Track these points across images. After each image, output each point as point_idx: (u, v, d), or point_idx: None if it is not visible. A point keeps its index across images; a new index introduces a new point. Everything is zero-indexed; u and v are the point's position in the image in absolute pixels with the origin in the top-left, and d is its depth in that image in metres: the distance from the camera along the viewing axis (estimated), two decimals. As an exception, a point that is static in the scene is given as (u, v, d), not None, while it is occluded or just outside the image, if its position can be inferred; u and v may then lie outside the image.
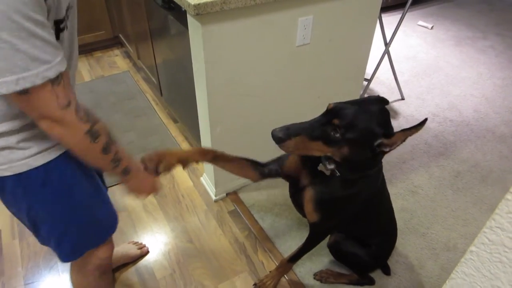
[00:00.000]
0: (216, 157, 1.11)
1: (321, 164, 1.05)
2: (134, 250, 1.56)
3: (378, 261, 1.47)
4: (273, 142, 1.57)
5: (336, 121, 0.89)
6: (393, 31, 2.35)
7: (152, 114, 2.40)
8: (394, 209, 1.50)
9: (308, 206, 1.13)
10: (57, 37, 0.70)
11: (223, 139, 1.62)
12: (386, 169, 2.00)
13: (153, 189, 0.99)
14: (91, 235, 0.98)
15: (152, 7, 1.90)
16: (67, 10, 0.72)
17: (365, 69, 1.93)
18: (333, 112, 0.91)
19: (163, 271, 1.52)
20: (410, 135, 0.89)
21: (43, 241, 0.96)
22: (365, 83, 2.44)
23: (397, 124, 2.35)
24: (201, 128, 1.67)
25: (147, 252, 1.59)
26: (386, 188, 1.32)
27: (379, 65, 2.45)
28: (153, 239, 1.65)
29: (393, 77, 2.57)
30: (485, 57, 3.12)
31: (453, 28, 3.63)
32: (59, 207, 0.88)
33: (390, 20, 3.56)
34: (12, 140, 0.75)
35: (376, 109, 0.92)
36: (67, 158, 0.84)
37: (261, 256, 1.58)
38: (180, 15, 1.50)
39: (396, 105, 2.53)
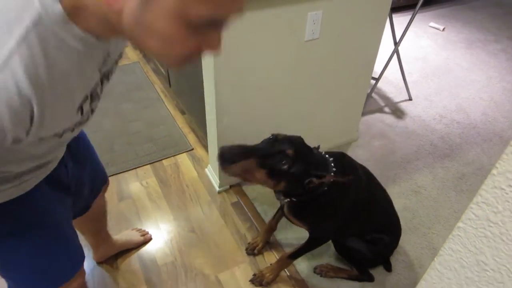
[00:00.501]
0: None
1: (275, 194, 1.15)
2: (137, 237, 1.59)
3: (380, 258, 1.49)
4: None
5: (290, 152, 0.91)
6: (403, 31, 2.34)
7: (160, 105, 2.42)
8: (396, 208, 1.51)
9: (291, 219, 1.24)
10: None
11: (229, 130, 1.63)
12: (389, 168, 2.01)
13: None
14: (52, 279, 0.91)
15: None
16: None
17: (373, 67, 1.93)
18: (284, 143, 0.93)
19: (165, 258, 1.54)
20: (337, 182, 0.96)
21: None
22: (373, 81, 2.44)
23: (404, 124, 2.35)
24: (208, 119, 1.69)
25: (150, 239, 1.61)
26: (380, 189, 1.37)
27: (388, 64, 2.44)
28: (156, 227, 1.67)
29: (401, 77, 2.56)
30: (496, 60, 3.09)
31: (465, 30, 3.60)
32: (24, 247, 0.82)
33: (401, 20, 3.54)
34: None
35: (318, 153, 1.02)
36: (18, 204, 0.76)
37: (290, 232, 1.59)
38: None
39: (403, 106, 2.53)
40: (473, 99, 2.61)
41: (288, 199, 1.13)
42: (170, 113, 2.35)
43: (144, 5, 0.44)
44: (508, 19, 3.88)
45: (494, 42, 3.38)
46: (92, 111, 0.68)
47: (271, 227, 1.56)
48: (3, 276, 0.88)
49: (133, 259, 1.54)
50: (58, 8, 0.47)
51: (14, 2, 0.46)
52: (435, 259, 0.52)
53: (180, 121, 2.29)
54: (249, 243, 1.58)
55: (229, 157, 0.87)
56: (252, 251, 1.55)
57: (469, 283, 0.47)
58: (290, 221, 1.28)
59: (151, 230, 1.66)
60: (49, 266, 0.88)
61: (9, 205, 0.74)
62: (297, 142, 0.98)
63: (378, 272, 1.51)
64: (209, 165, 1.92)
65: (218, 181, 1.82)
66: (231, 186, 1.86)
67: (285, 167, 0.91)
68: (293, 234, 1.64)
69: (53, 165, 0.83)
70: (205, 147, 2.06)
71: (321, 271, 1.49)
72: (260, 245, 1.56)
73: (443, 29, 3.56)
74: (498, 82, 2.81)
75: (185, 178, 1.92)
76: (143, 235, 1.60)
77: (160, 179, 1.90)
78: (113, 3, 0.45)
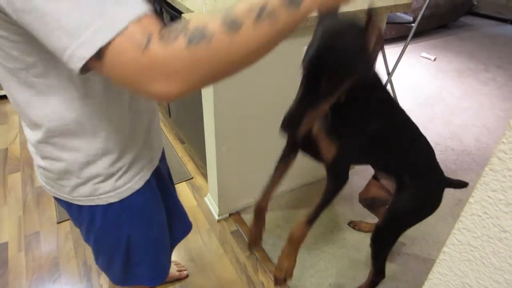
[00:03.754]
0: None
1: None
2: (173, 271, 1.56)
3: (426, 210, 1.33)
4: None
5: (325, 79, 0.78)
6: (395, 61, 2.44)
7: (160, 135, 2.47)
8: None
9: (322, 138, 1.03)
10: None
11: (229, 159, 1.68)
12: (387, 195, 2.03)
13: None
14: (154, 268, 0.95)
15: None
16: None
17: (367, 96, 1.99)
18: (314, 70, 0.79)
19: (165, 287, 1.54)
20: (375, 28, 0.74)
21: (127, 267, 0.90)
22: (368, 110, 2.51)
23: (399, 151, 2.40)
24: (207, 148, 1.73)
25: (186, 276, 1.59)
26: (411, 123, 1.19)
27: (382, 93, 2.52)
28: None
29: (395, 105, 2.63)
30: (487, 88, 3.19)
31: (456, 60, 3.73)
32: (153, 233, 0.89)
33: (393, 51, 3.67)
34: (118, 165, 0.73)
35: (340, 26, 0.78)
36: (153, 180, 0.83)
37: (262, 277, 1.59)
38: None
39: (399, 133, 2.59)
40: (466, 126, 2.67)
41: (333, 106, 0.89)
42: (170, 142, 2.40)
43: None
44: (496, 49, 4.03)
45: (484, 71, 3.50)
46: None
47: (262, 207, 1.24)
48: (136, 263, 0.90)
49: None
50: None
51: None
52: (425, 282, 0.54)
53: (180, 150, 2.34)
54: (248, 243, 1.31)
55: (292, 128, 0.79)
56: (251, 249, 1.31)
57: (456, 306, 0.49)
58: (312, 152, 1.08)
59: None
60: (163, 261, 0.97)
61: (140, 199, 0.80)
62: (329, 42, 0.76)
63: (378, 300, 1.51)
64: (208, 193, 1.94)
65: (217, 209, 1.84)
66: (230, 215, 1.88)
67: (336, 86, 0.77)
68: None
69: (155, 153, 0.86)
70: (205, 175, 2.09)
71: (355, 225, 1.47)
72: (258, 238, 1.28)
73: (435, 59, 3.69)
74: (490, 109, 2.88)
75: (184, 206, 1.93)
76: (179, 271, 1.58)
77: (160, 208, 1.92)
78: None
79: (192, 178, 2.12)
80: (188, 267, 1.63)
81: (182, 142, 2.40)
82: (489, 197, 0.44)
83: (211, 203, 1.91)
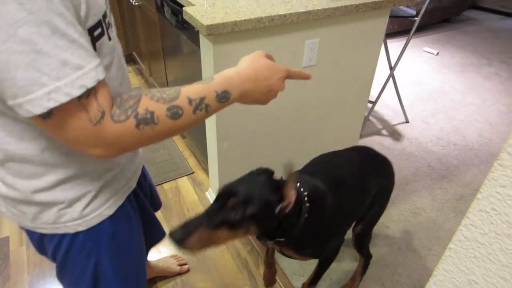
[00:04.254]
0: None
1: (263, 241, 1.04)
2: (174, 266, 1.56)
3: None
4: (279, 158, 1.63)
5: (232, 200, 0.83)
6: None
7: (161, 129, 2.46)
8: (396, 230, 1.52)
9: (297, 257, 1.16)
10: (94, 48, 0.56)
11: (230, 154, 1.67)
12: (389, 190, 2.02)
13: (280, 86, 0.76)
14: None
15: (166, 27, 2.00)
16: (103, 17, 0.59)
17: (369, 91, 1.98)
18: (225, 194, 0.86)
19: (166, 282, 1.54)
20: (293, 188, 0.86)
21: None
22: (370, 105, 2.50)
23: (401, 147, 2.38)
24: (208, 143, 1.73)
25: (187, 270, 1.58)
26: (346, 188, 1.24)
27: (384, 88, 2.50)
28: (157, 250, 1.68)
29: (397, 100, 2.62)
30: (490, 83, 3.17)
31: (458, 54, 3.70)
32: (125, 260, 0.81)
33: (396, 45, 3.65)
34: (82, 191, 0.68)
35: (264, 179, 0.90)
36: (127, 204, 0.78)
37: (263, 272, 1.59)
38: (193, 35, 1.58)
39: (401, 128, 2.57)
40: (468, 121, 2.66)
41: (274, 241, 1.00)
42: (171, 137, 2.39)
43: None
44: (499, 43, 4.00)
45: (487, 65, 3.48)
46: (110, 25, 0.64)
47: (269, 263, 1.48)
48: None
49: None
50: None
51: None
52: (430, 279, 0.54)
53: (181, 145, 2.33)
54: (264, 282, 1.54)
55: (179, 236, 0.78)
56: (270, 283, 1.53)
57: (462, 303, 0.48)
58: (291, 257, 1.20)
59: (151, 253, 1.66)
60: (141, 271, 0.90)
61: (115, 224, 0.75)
62: (243, 183, 0.89)
63: (379, 295, 1.51)
64: (209, 188, 1.94)
65: (218, 204, 1.83)
66: (231, 209, 1.87)
67: (238, 215, 0.82)
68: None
69: (133, 175, 0.82)
70: (206, 170, 2.08)
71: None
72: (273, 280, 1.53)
73: (437, 54, 3.66)
74: (493, 105, 2.87)
75: (185, 201, 1.93)
76: (180, 265, 1.58)
77: (161, 202, 1.92)
78: None
79: (193, 173, 2.12)
80: (190, 262, 1.63)
81: (183, 137, 2.39)
82: (497, 193, 0.43)
83: (212, 197, 1.90)
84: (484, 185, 0.44)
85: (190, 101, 0.58)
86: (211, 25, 1.24)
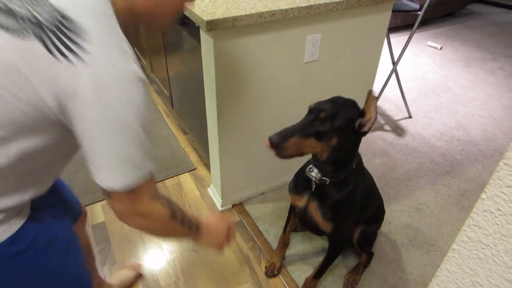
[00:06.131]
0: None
1: (307, 171, 1.16)
2: (130, 275, 1.51)
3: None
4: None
5: (322, 114, 1.00)
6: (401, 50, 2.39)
7: (162, 126, 2.46)
8: (399, 226, 1.51)
9: (318, 219, 1.21)
10: None
11: (231, 150, 1.66)
12: (391, 186, 2.02)
13: (228, 238, 0.93)
14: None
15: (167, 23, 1.98)
16: None
17: (372, 86, 1.97)
18: (316, 110, 1.02)
19: (168, 279, 1.54)
20: (373, 105, 0.99)
21: None
22: (373, 100, 2.48)
23: (404, 142, 2.37)
24: (210, 139, 1.72)
25: (139, 265, 1.56)
26: (370, 176, 1.40)
27: (387, 83, 2.48)
28: (159, 247, 1.68)
29: (400, 95, 2.60)
30: (494, 78, 3.14)
31: (462, 49, 3.66)
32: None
33: (399, 40, 3.62)
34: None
35: (347, 100, 1.05)
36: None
37: (264, 268, 1.59)
38: (194, 30, 1.57)
39: (403, 123, 2.56)
40: (472, 116, 2.64)
41: (321, 176, 1.13)
42: (173, 133, 2.39)
43: None
44: (504, 38, 3.95)
45: (492, 60, 3.44)
46: None
47: (285, 243, 1.56)
48: None
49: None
50: None
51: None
52: (433, 279, 0.53)
53: (183, 141, 2.32)
54: (266, 266, 1.57)
55: (276, 140, 0.96)
56: (272, 272, 1.55)
57: (465, 304, 0.48)
58: (312, 226, 1.29)
59: (153, 250, 1.66)
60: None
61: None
62: (331, 102, 1.03)
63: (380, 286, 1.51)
64: (211, 184, 1.93)
65: (220, 200, 1.83)
66: (233, 206, 1.87)
67: (327, 127, 0.99)
68: (296, 254, 1.64)
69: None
70: (207, 166, 2.08)
71: (348, 283, 1.51)
72: (278, 264, 1.55)
73: (441, 48, 3.63)
74: (497, 99, 2.84)
75: (187, 197, 1.93)
76: (133, 269, 1.53)
77: (163, 199, 1.92)
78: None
79: (195, 169, 2.11)
80: (191, 257, 1.63)
81: (185, 133, 2.38)
82: (503, 193, 0.42)
83: (214, 194, 1.90)
84: (489, 184, 0.43)
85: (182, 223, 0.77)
86: (211, 20, 1.23)
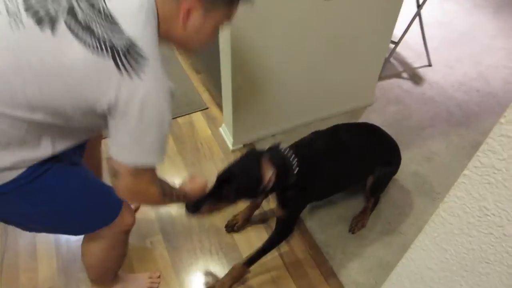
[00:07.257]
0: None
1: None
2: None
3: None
4: (294, 96, 1.65)
5: (226, 188, 1.09)
6: (428, -8, 2.24)
7: (175, 64, 2.43)
8: (407, 173, 1.51)
9: (276, 207, 1.33)
10: None
11: (244, 90, 1.64)
12: (403, 134, 1.99)
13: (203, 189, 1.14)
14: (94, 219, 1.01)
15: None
16: None
17: (392, 30, 1.87)
18: (222, 180, 1.10)
19: (179, 211, 1.61)
20: (268, 170, 1.07)
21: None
22: (392, 45, 2.38)
23: (421, 90, 2.31)
24: (223, 78, 1.70)
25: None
26: (346, 148, 1.38)
27: (409, 28, 2.36)
28: (170, 181, 1.73)
29: (422, 42, 2.48)
30: (525, 27, 2.95)
31: (495, -6, 3.41)
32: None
33: (427, -18, 3.37)
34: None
35: (250, 165, 1.11)
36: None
37: (272, 205, 1.64)
38: None
39: (422, 71, 2.47)
40: (496, 68, 2.53)
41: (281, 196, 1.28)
42: (186, 72, 2.36)
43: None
44: (543, -17, 3.65)
45: (525, 7, 3.21)
46: None
47: (256, 205, 1.55)
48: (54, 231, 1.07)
49: (149, 209, 1.62)
50: None
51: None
52: (440, 205, 0.54)
53: (195, 80, 2.30)
54: (228, 220, 1.56)
55: (192, 210, 1.09)
56: (232, 228, 1.55)
57: (470, 227, 0.49)
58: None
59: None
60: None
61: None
62: (235, 169, 1.12)
63: (387, 235, 1.56)
64: (223, 124, 1.95)
65: (232, 139, 1.85)
66: (244, 145, 1.89)
67: (232, 196, 1.12)
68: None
69: None
70: (220, 106, 2.08)
71: (357, 226, 1.56)
72: (240, 222, 1.54)
73: (471, -8, 3.38)
74: (525, 50, 2.70)
75: (199, 136, 1.96)
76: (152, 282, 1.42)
77: (175, 136, 1.95)
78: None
79: (207, 108, 2.11)
80: (202, 192, 1.68)
81: (198, 73, 2.35)
82: (523, 117, 0.41)
83: (226, 133, 1.92)
84: (509, 108, 0.42)
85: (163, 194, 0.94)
86: None
